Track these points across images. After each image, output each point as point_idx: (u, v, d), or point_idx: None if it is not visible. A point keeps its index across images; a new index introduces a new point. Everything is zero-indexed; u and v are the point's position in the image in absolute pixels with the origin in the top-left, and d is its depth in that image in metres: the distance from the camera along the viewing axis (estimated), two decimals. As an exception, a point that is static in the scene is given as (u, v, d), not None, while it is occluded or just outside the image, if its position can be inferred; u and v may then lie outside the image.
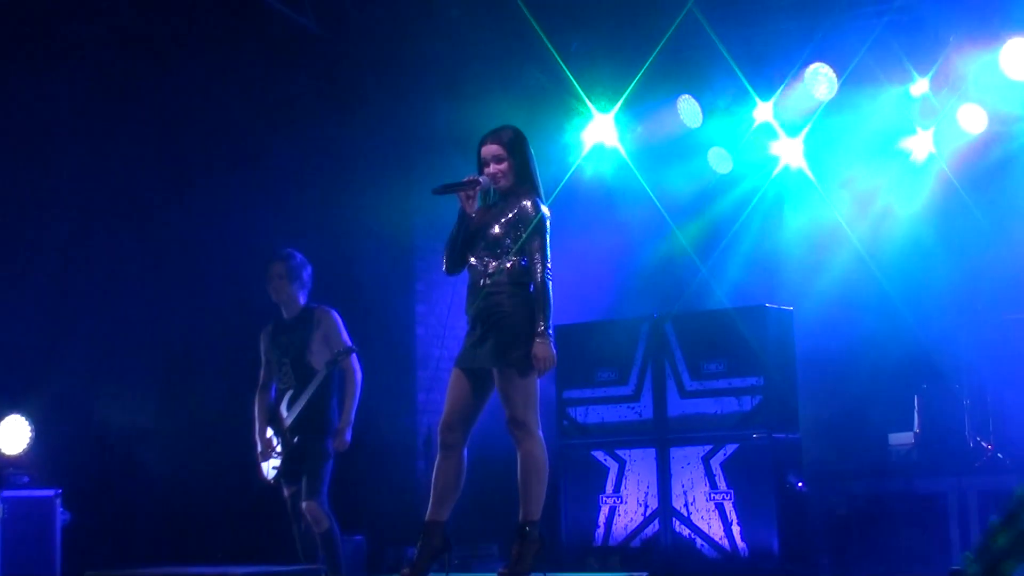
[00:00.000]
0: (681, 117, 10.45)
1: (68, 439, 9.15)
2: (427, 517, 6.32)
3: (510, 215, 6.32)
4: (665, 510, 8.85)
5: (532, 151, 6.46)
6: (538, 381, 6.26)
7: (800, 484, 8.74)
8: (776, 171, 10.42)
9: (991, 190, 9.77)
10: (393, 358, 10.34)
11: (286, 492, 7.84)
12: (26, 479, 8.54)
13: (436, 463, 6.34)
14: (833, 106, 10.02)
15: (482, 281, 6.31)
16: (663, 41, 9.65)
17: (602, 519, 9.04)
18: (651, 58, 9.76)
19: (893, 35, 9.71)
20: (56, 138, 9.35)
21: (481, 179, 6.34)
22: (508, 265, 6.28)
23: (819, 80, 9.94)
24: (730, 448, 8.70)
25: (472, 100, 10.01)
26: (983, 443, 9.25)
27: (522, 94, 10.18)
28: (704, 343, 8.94)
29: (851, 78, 9.84)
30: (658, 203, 10.47)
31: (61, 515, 8.39)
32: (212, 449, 9.44)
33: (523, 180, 6.39)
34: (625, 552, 8.91)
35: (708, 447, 8.77)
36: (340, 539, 7.75)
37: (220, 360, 9.69)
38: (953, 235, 9.82)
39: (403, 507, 9.94)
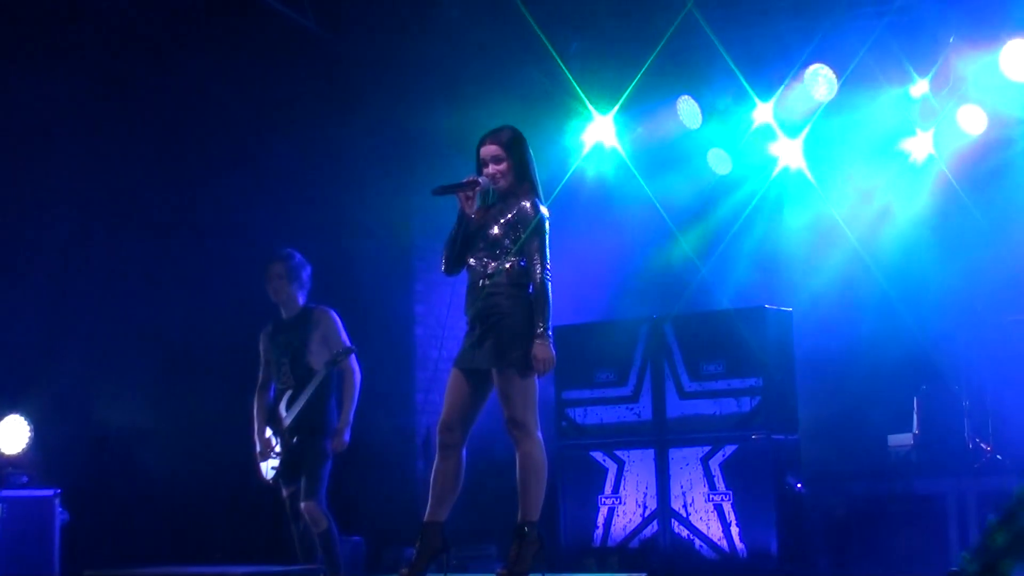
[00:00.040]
0: (681, 118, 10.46)
1: (67, 439, 9.15)
2: (425, 517, 6.32)
3: (509, 216, 6.32)
4: (664, 511, 8.85)
5: (531, 151, 6.46)
6: (537, 382, 6.27)
7: (799, 485, 8.74)
8: (775, 172, 10.42)
9: (991, 191, 9.76)
10: (392, 359, 10.34)
11: (285, 492, 7.84)
12: (25, 479, 8.54)
13: (435, 464, 6.34)
14: (833, 107, 10.02)
15: (481, 282, 6.31)
16: (663, 42, 9.65)
17: (601, 520, 9.05)
18: (651, 59, 9.76)
19: (893, 36, 9.72)
20: (56, 138, 9.36)
21: (480, 180, 6.34)
22: (507, 266, 6.28)
23: (819, 81, 9.94)
24: (729, 449, 8.70)
25: (472, 101, 10.01)
26: (982, 444, 9.24)
27: (522, 95, 10.17)
28: (703, 344, 8.94)
29: (851, 79, 9.84)
30: (657, 204, 10.47)
31: (60, 515, 8.39)
32: (211, 449, 9.44)
33: (522, 180, 6.39)
34: (624, 553, 8.91)
35: (707, 448, 8.77)
36: (338, 539, 7.76)
37: (219, 360, 9.68)
38: (952, 236, 9.82)
39: (401, 507, 9.94)
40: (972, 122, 9.75)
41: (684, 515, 8.78)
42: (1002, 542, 2.49)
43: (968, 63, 9.60)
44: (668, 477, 8.86)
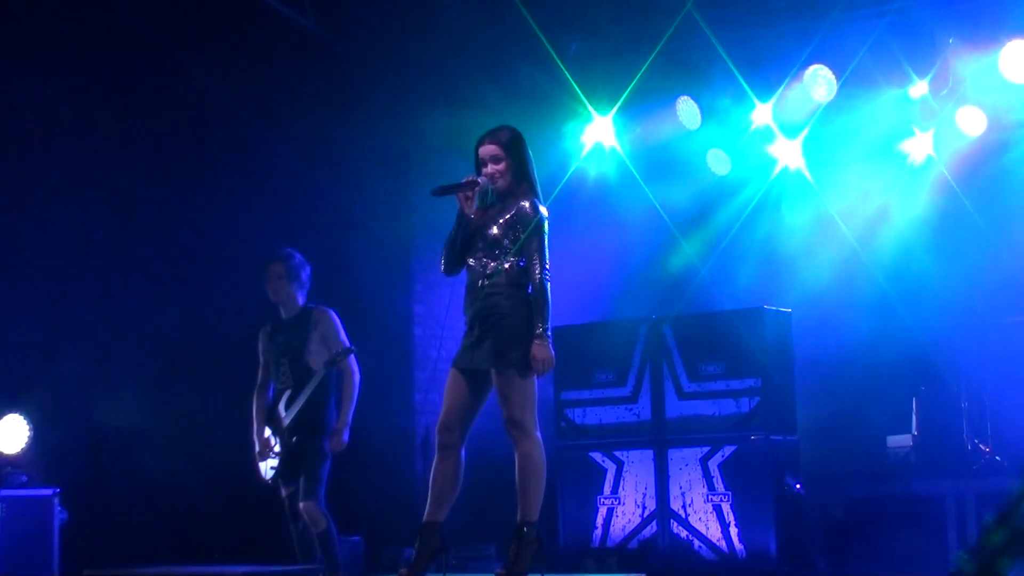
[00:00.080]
0: (680, 118, 10.46)
1: (66, 438, 9.16)
2: (425, 517, 6.32)
3: (508, 216, 6.33)
4: (663, 511, 8.85)
5: (530, 151, 6.47)
6: (536, 382, 6.27)
7: (798, 486, 8.73)
8: (775, 173, 10.42)
9: (990, 192, 9.76)
10: (391, 359, 10.35)
11: (284, 492, 7.84)
12: (24, 478, 8.55)
13: (434, 464, 6.34)
14: (832, 108, 10.02)
15: (480, 282, 6.32)
16: (662, 42, 9.65)
17: (600, 520, 9.04)
18: (650, 59, 9.76)
19: (892, 37, 9.71)
20: (56, 138, 9.36)
21: (479, 180, 6.35)
22: (506, 266, 6.28)
23: (818, 82, 9.94)
24: (728, 450, 8.70)
25: (471, 101, 10.02)
26: (981, 446, 9.24)
27: (521, 95, 10.18)
28: (702, 345, 8.93)
29: (850, 80, 9.84)
30: (657, 204, 10.47)
31: (59, 514, 8.40)
32: (210, 449, 9.45)
33: (521, 180, 6.40)
34: (623, 553, 8.90)
35: (706, 449, 8.76)
36: (337, 539, 7.76)
37: (218, 360, 9.69)
38: (952, 237, 9.82)
39: (401, 507, 9.94)
40: (971, 123, 9.75)
41: (683, 516, 8.78)
42: (998, 541, 2.49)
43: (967, 64, 9.60)
44: (667, 478, 8.86)
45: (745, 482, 8.61)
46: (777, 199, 10.57)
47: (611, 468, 9.06)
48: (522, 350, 6.17)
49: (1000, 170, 9.81)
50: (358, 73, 10.65)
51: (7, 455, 8.65)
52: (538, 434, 6.25)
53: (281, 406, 7.83)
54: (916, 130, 10.01)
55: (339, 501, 8.07)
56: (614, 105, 10.45)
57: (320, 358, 7.79)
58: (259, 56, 9.97)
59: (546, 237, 6.32)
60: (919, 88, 9.87)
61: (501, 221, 6.33)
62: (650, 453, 8.94)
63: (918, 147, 10.05)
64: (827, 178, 10.30)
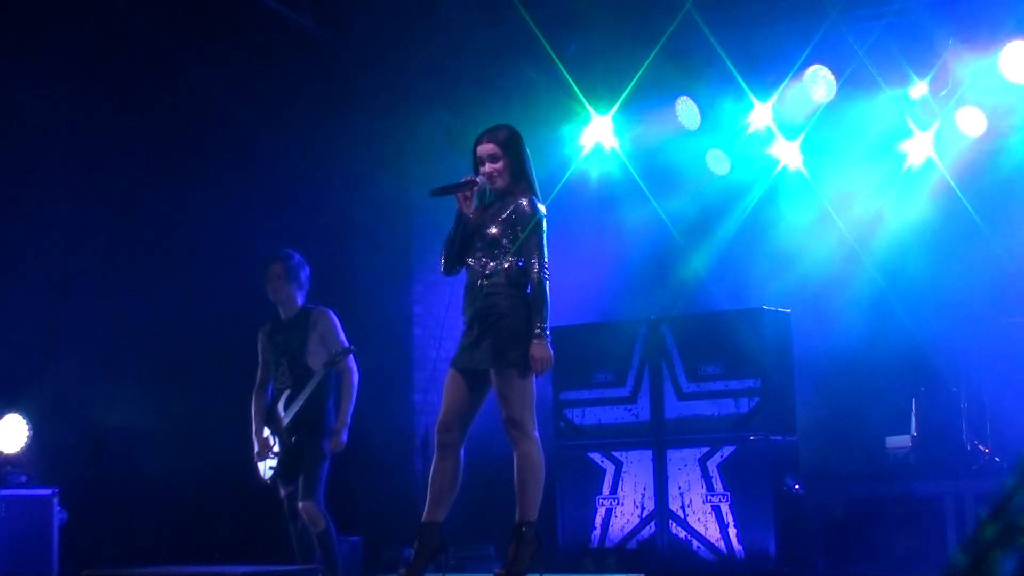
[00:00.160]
0: (679, 118, 10.45)
1: (65, 438, 9.16)
2: (424, 517, 6.32)
3: (507, 214, 6.32)
4: (662, 512, 8.84)
5: (528, 150, 6.47)
6: (535, 382, 6.27)
7: (797, 486, 8.73)
8: (774, 173, 10.42)
9: (990, 193, 9.76)
10: (390, 359, 10.35)
11: (283, 492, 7.84)
12: (23, 478, 8.55)
13: (433, 464, 6.35)
14: (831, 108, 10.02)
15: (479, 282, 6.32)
16: (661, 42, 9.66)
17: (599, 521, 9.04)
18: (649, 59, 9.77)
19: (892, 37, 9.72)
20: (55, 138, 9.36)
21: (478, 179, 6.35)
22: (506, 266, 6.28)
23: (818, 82, 9.94)
24: (727, 450, 8.69)
25: (470, 101, 10.02)
26: (980, 446, 9.23)
27: (520, 95, 10.18)
28: (701, 345, 8.93)
29: (850, 80, 9.84)
30: (656, 205, 10.47)
31: (58, 514, 8.40)
32: (209, 449, 9.45)
33: (519, 179, 6.40)
34: (621, 554, 8.90)
35: (705, 449, 8.76)
36: (337, 539, 7.76)
37: (218, 360, 9.69)
38: (951, 238, 9.81)
39: (400, 507, 9.94)
40: (971, 124, 9.75)
41: (682, 516, 8.77)
42: (991, 534, 2.48)
43: (967, 65, 9.60)
44: (666, 478, 8.85)
45: (744, 482, 8.61)
46: (776, 199, 10.56)
47: (610, 468, 9.06)
48: (521, 350, 6.17)
49: (1000, 171, 9.80)
50: (357, 73, 10.66)
51: (6, 455, 8.65)
52: (537, 434, 6.26)
53: (280, 406, 7.83)
54: (916, 131, 10.01)
55: (338, 501, 8.07)
56: (613, 105, 10.45)
57: (319, 358, 7.79)
58: (259, 56, 9.98)
59: (545, 235, 6.32)
60: (919, 89, 9.87)
61: (500, 220, 6.33)
62: (649, 453, 8.94)
63: (917, 148, 10.05)
64: (826, 178, 10.29)
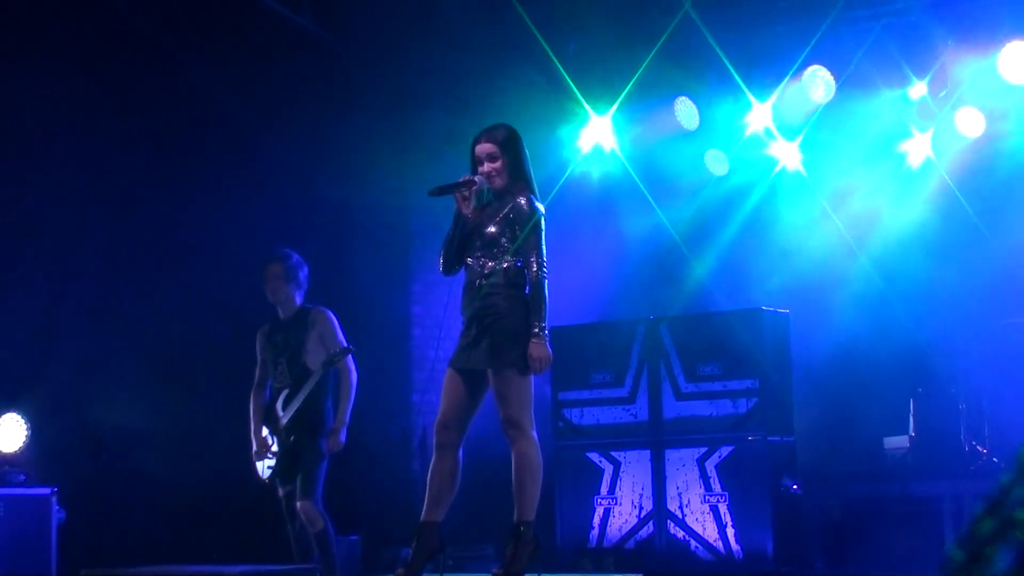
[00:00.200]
0: (678, 119, 10.46)
1: (64, 437, 9.17)
2: (422, 517, 6.32)
3: (505, 213, 6.32)
4: (660, 512, 8.85)
5: (526, 149, 6.47)
6: (532, 381, 6.27)
7: (795, 487, 8.74)
8: (773, 173, 10.43)
9: (988, 194, 9.76)
10: (389, 359, 10.35)
11: (281, 492, 7.85)
12: (22, 477, 8.56)
13: (431, 464, 6.35)
14: (830, 109, 10.03)
15: (478, 282, 6.32)
16: (660, 43, 9.67)
17: (597, 521, 9.04)
18: (648, 60, 9.78)
19: (891, 38, 9.72)
20: (54, 138, 9.37)
21: (476, 179, 6.35)
22: (504, 266, 6.28)
23: (816, 83, 9.95)
24: (725, 450, 8.70)
25: (469, 101, 10.02)
26: (978, 447, 9.23)
27: (519, 95, 10.17)
28: (700, 345, 8.93)
29: (848, 81, 9.85)
30: (655, 205, 10.48)
31: (57, 513, 8.40)
32: (208, 448, 9.45)
33: (517, 178, 6.40)
34: (619, 554, 8.91)
35: (703, 449, 8.76)
36: (335, 539, 7.77)
37: (216, 359, 9.69)
38: (950, 238, 9.82)
39: (398, 507, 9.95)
40: (970, 124, 9.75)
41: (680, 516, 8.78)
42: (988, 529, 2.50)
43: (966, 66, 9.61)
44: (664, 478, 8.86)
45: (742, 483, 8.61)
46: (775, 200, 10.57)
47: (608, 468, 9.07)
48: (519, 350, 6.17)
49: (999, 171, 9.81)
50: (357, 73, 10.66)
51: (5, 454, 8.66)
52: (534, 434, 6.26)
53: (279, 406, 7.84)
54: (914, 131, 10.01)
55: (337, 501, 8.07)
56: (612, 105, 10.46)
57: (318, 358, 7.80)
58: (259, 56, 9.98)
59: (543, 235, 6.32)
60: (918, 89, 9.87)
61: (498, 219, 6.33)
62: (647, 453, 8.94)
63: (916, 148, 10.06)
64: (825, 179, 10.30)
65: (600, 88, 10.48)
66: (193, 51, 9.76)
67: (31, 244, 9.42)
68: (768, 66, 10.05)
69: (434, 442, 6.36)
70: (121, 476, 9.41)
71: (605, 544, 8.98)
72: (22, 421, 8.72)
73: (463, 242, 6.41)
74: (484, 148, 6.38)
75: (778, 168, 10.40)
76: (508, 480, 6.25)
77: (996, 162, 9.82)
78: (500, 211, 6.35)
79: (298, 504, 7.66)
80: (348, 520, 8.86)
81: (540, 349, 6.17)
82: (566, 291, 8.47)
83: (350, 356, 7.85)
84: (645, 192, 10.50)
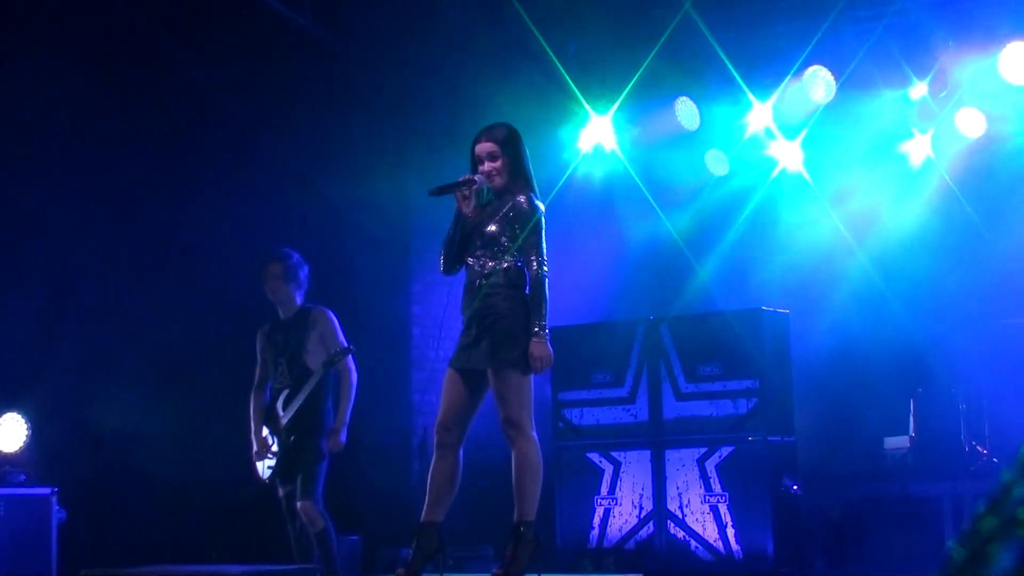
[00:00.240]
0: (679, 119, 10.46)
1: (64, 437, 9.17)
2: (422, 517, 6.32)
3: (505, 212, 6.32)
4: (660, 512, 8.85)
5: (526, 149, 6.47)
6: (532, 381, 6.27)
7: (795, 487, 8.74)
8: (773, 174, 10.43)
9: (988, 194, 9.77)
10: (389, 359, 10.35)
11: (281, 492, 7.84)
12: (22, 477, 8.56)
13: (432, 464, 6.35)
14: (831, 109, 10.03)
15: (478, 282, 6.31)
16: (660, 43, 9.67)
17: (597, 521, 9.04)
18: (648, 60, 9.78)
19: (891, 38, 9.72)
20: (53, 138, 9.37)
21: (476, 178, 6.34)
22: (504, 266, 6.28)
23: (817, 83, 9.95)
24: (725, 451, 8.70)
25: (469, 101, 10.02)
26: (978, 447, 9.24)
27: (519, 95, 10.17)
28: (700, 346, 8.93)
29: (849, 81, 9.85)
30: (655, 205, 10.48)
31: (57, 513, 8.40)
32: (208, 448, 9.45)
33: (517, 177, 6.39)
34: (620, 554, 8.90)
35: (703, 449, 8.76)
36: (335, 539, 7.76)
37: (216, 359, 9.69)
38: (950, 239, 9.82)
39: (398, 507, 9.95)
40: (970, 125, 9.76)
41: (680, 516, 8.78)
42: (990, 527, 2.49)
43: (966, 66, 9.61)
44: (664, 478, 8.86)
45: (742, 483, 8.61)
46: (776, 200, 10.57)
47: (608, 469, 9.07)
48: (519, 350, 6.17)
49: (999, 172, 9.82)
50: (357, 73, 10.66)
51: (5, 454, 8.66)
52: (534, 434, 6.25)
53: (279, 406, 7.83)
54: (915, 132, 10.01)
55: (337, 501, 8.07)
56: (613, 105, 10.46)
57: (318, 358, 7.79)
58: (259, 56, 9.98)
59: (543, 233, 6.31)
60: (918, 90, 9.87)
61: (498, 218, 6.32)
62: (647, 454, 8.94)
63: (917, 149, 10.06)
64: (826, 179, 10.30)
65: (600, 88, 10.49)
66: (193, 51, 9.76)
67: (31, 244, 9.41)
68: (768, 66, 10.05)
69: (434, 442, 6.36)
70: (121, 476, 9.41)
71: (605, 544, 8.98)
72: (22, 421, 8.72)
73: (463, 242, 6.40)
74: (484, 147, 6.38)
75: (778, 168, 10.40)
76: (508, 480, 6.25)
77: (996, 163, 9.82)
78: (500, 210, 6.34)
79: (298, 504, 7.66)
80: (348, 520, 8.86)
81: (541, 348, 6.17)
82: (566, 291, 8.48)
83: (350, 356, 7.85)
84: (645, 192, 10.50)
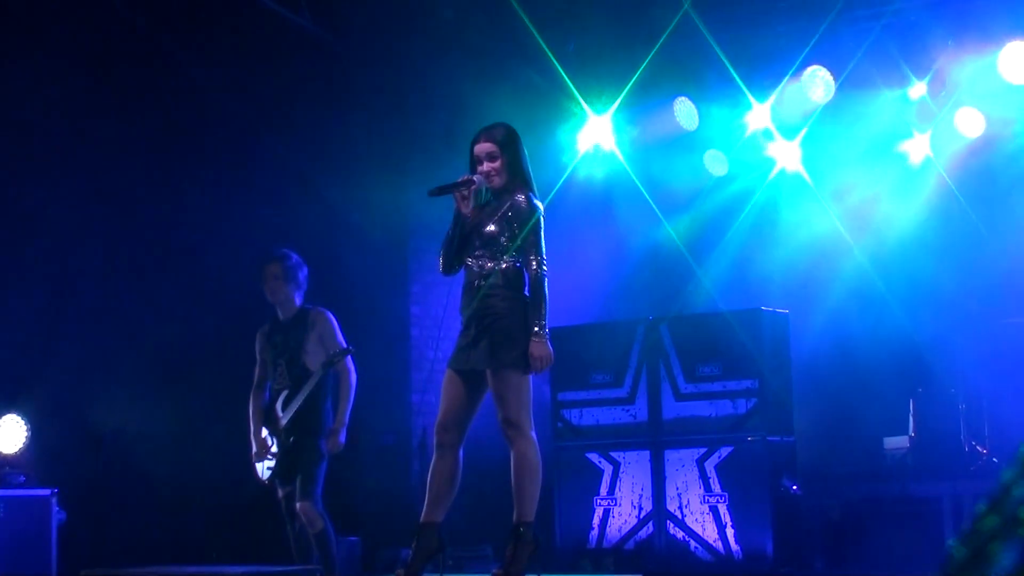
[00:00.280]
0: (677, 119, 10.46)
1: (64, 438, 9.17)
2: (422, 518, 6.32)
3: (504, 211, 6.32)
4: (659, 513, 8.85)
5: (525, 149, 6.47)
6: (532, 382, 6.27)
7: (794, 487, 8.74)
8: (772, 174, 10.43)
9: (988, 194, 9.77)
10: (388, 360, 10.35)
11: (280, 492, 7.84)
12: (22, 478, 8.56)
13: (432, 464, 6.34)
14: (830, 109, 10.03)
15: (477, 282, 6.31)
16: (659, 43, 9.66)
17: (596, 521, 9.04)
18: (647, 60, 9.78)
19: (890, 38, 9.72)
20: (52, 138, 9.37)
21: (475, 178, 6.34)
22: (503, 267, 6.28)
23: (816, 83, 9.95)
24: (725, 451, 8.69)
25: (468, 101, 10.01)
26: (978, 447, 9.24)
27: (518, 95, 10.17)
28: (699, 346, 8.92)
29: (848, 81, 9.85)
30: (654, 205, 10.48)
31: (57, 514, 8.41)
32: (207, 449, 9.45)
33: (516, 177, 6.39)
34: (619, 554, 8.90)
35: (703, 450, 8.75)
36: (335, 540, 7.76)
37: (216, 360, 9.69)
38: (949, 239, 9.82)
39: (398, 508, 9.95)
40: (969, 125, 9.76)
41: (679, 517, 8.78)
42: (991, 526, 2.48)
43: (965, 66, 9.61)
44: (664, 479, 8.85)
45: (742, 483, 8.61)
46: (774, 200, 10.57)
47: (608, 469, 9.06)
48: (518, 350, 6.17)
49: (998, 171, 9.82)
50: (354, 73, 10.66)
51: (5, 455, 8.66)
52: (533, 434, 6.25)
53: (278, 406, 7.83)
54: (914, 131, 10.01)
55: (336, 502, 8.07)
56: (611, 105, 10.46)
57: (317, 359, 7.79)
58: (258, 56, 9.98)
59: (542, 232, 6.31)
60: (917, 89, 9.88)
61: (497, 217, 6.31)
62: (647, 454, 8.94)
63: (916, 148, 10.06)
64: (825, 179, 10.31)
65: (599, 88, 10.49)
66: (193, 51, 9.76)
67: (31, 244, 9.42)
68: (767, 66, 10.05)
69: (434, 442, 6.36)
70: (121, 477, 9.42)
71: (605, 545, 8.98)
72: (22, 422, 8.72)
73: (462, 242, 6.40)
74: (483, 147, 6.38)
75: (777, 168, 10.40)
76: (508, 481, 6.25)
77: (996, 162, 9.82)
78: (499, 210, 6.33)
79: (298, 505, 7.65)
80: (348, 521, 8.87)
81: (541, 348, 6.16)
82: (565, 291, 8.48)
83: (349, 357, 7.84)
84: (644, 193, 10.50)
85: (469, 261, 6.37)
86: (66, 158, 9.45)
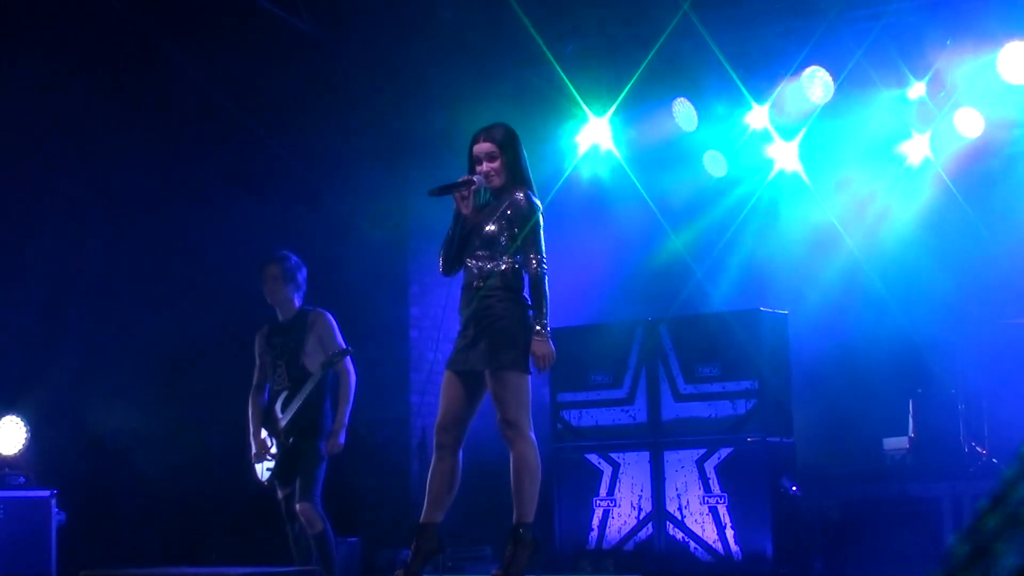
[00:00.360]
0: (676, 120, 10.45)
1: (64, 440, 9.18)
2: (421, 519, 6.33)
3: (503, 211, 6.32)
4: (659, 513, 8.85)
5: (524, 149, 6.47)
6: (531, 382, 6.28)
7: (794, 488, 8.74)
8: (771, 175, 10.43)
9: (987, 194, 9.77)
10: (387, 360, 10.35)
11: (280, 494, 7.84)
12: (22, 480, 8.56)
13: (431, 465, 6.35)
14: (829, 110, 10.02)
15: (476, 283, 6.31)
16: (658, 44, 9.66)
17: (596, 522, 9.04)
18: (646, 61, 9.77)
19: (889, 38, 9.71)
20: (53, 139, 9.37)
21: (475, 179, 6.34)
22: (503, 268, 6.28)
23: (815, 83, 9.95)
24: (724, 452, 8.69)
25: (467, 102, 10.01)
26: (978, 448, 9.24)
27: (517, 96, 10.18)
28: (699, 346, 8.92)
29: (847, 81, 9.84)
30: (653, 206, 10.48)
31: (57, 515, 8.41)
32: (207, 450, 9.46)
33: (516, 177, 6.39)
34: (619, 555, 8.90)
35: (702, 451, 8.76)
36: (334, 541, 7.76)
37: (215, 361, 9.70)
38: (949, 239, 9.82)
39: (397, 509, 9.96)
40: (969, 125, 9.75)
41: (679, 518, 8.78)
42: (993, 525, 2.48)
43: (964, 66, 9.60)
44: (663, 479, 8.86)
45: (741, 484, 8.61)
46: (773, 201, 10.57)
47: (607, 470, 9.06)
48: (517, 351, 6.17)
49: (998, 172, 9.82)
50: (353, 75, 10.66)
51: (5, 456, 8.66)
52: (532, 435, 6.25)
53: (278, 407, 7.83)
54: (913, 132, 10.01)
55: (336, 502, 8.07)
56: (611, 106, 10.46)
57: (317, 360, 7.79)
58: (258, 56, 9.97)
59: (542, 231, 6.32)
60: (916, 90, 9.87)
61: (496, 217, 6.31)
62: (646, 455, 8.94)
63: (915, 149, 10.06)
64: (824, 180, 10.31)
65: (598, 89, 10.48)
66: (193, 51, 9.76)
67: (31, 244, 9.42)
68: (766, 67, 10.05)
69: (434, 443, 6.36)
70: (121, 478, 9.42)
71: (604, 546, 8.98)
72: (22, 423, 8.72)
73: (462, 242, 6.41)
74: (482, 148, 6.38)
75: (776, 169, 10.39)
76: (507, 482, 6.26)
77: (995, 163, 9.82)
78: (498, 210, 6.34)
79: (297, 506, 7.65)
80: (347, 522, 8.87)
81: (543, 346, 6.16)
82: (565, 292, 8.47)
83: (349, 358, 7.84)
84: (643, 194, 10.50)
85: (469, 262, 6.38)
86: (66, 158, 9.45)
